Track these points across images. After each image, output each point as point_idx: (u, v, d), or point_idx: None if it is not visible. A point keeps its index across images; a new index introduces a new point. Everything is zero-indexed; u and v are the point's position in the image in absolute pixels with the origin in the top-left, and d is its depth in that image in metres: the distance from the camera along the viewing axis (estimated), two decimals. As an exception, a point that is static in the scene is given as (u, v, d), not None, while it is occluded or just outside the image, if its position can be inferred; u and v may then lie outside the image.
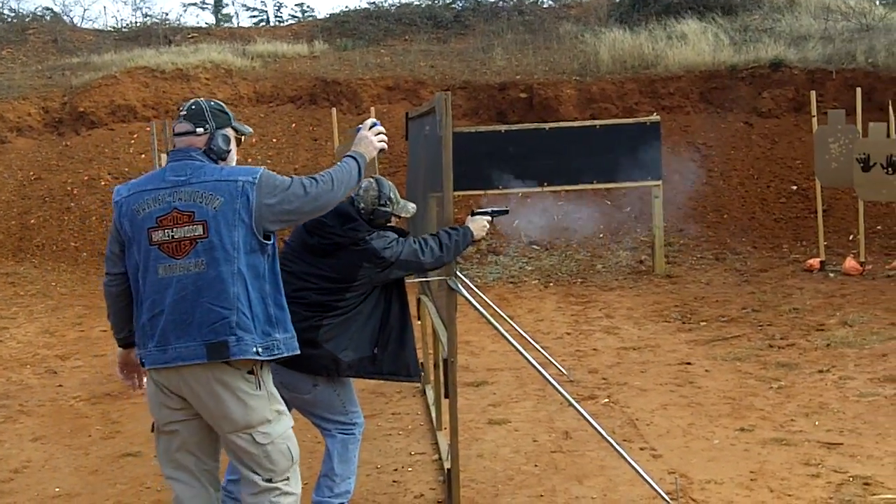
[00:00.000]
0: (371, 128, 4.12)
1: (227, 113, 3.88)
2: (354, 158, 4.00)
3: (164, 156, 11.50)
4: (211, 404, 3.68)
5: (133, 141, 17.06)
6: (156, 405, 3.79)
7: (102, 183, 16.13)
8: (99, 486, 5.65)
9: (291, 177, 3.81)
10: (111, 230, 3.83)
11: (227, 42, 20.82)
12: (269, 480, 3.78)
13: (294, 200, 3.73)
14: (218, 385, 3.66)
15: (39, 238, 15.17)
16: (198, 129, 3.76)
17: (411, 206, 4.91)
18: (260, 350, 3.67)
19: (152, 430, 3.89)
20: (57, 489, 5.63)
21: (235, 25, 27.69)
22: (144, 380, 3.90)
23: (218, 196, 3.65)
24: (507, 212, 5.46)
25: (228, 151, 3.84)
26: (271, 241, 3.75)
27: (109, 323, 4.03)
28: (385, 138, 4.15)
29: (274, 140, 16.96)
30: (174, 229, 3.64)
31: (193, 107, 3.81)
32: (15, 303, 12.19)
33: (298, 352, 3.84)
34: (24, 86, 18.64)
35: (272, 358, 3.73)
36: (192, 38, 22.18)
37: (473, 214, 4.90)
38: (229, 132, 3.85)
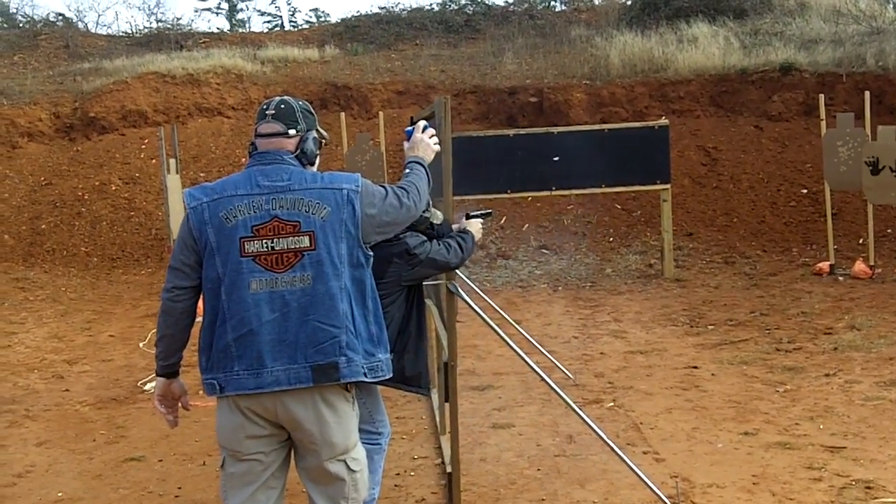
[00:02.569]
0: (424, 130, 3.94)
1: (314, 114, 3.61)
2: (420, 164, 3.80)
3: (172, 161, 11.55)
4: (315, 429, 3.37)
5: (144, 146, 17.13)
6: (236, 435, 3.39)
7: (113, 188, 16.22)
8: (102, 491, 5.65)
9: (384, 186, 3.58)
10: (183, 238, 3.41)
11: (238, 47, 20.88)
12: None
13: (391, 211, 3.52)
14: (325, 406, 3.37)
15: (50, 243, 15.24)
16: (290, 131, 3.45)
17: (440, 214, 4.88)
18: (367, 372, 3.41)
19: (222, 467, 3.48)
20: (60, 494, 5.63)
21: (249, 30, 27.75)
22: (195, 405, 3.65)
23: (325, 205, 3.35)
24: (491, 214, 5.42)
25: (318, 155, 3.58)
26: (372, 255, 3.49)
27: (157, 347, 3.57)
28: (437, 139, 3.99)
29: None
30: (275, 240, 3.31)
31: (283, 105, 3.50)
32: (24, 307, 12.24)
33: (392, 374, 3.56)
34: (36, 91, 18.72)
35: (377, 380, 3.50)
36: (204, 43, 22.24)
37: (468, 217, 4.88)
38: (316, 135, 3.58)
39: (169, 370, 3.58)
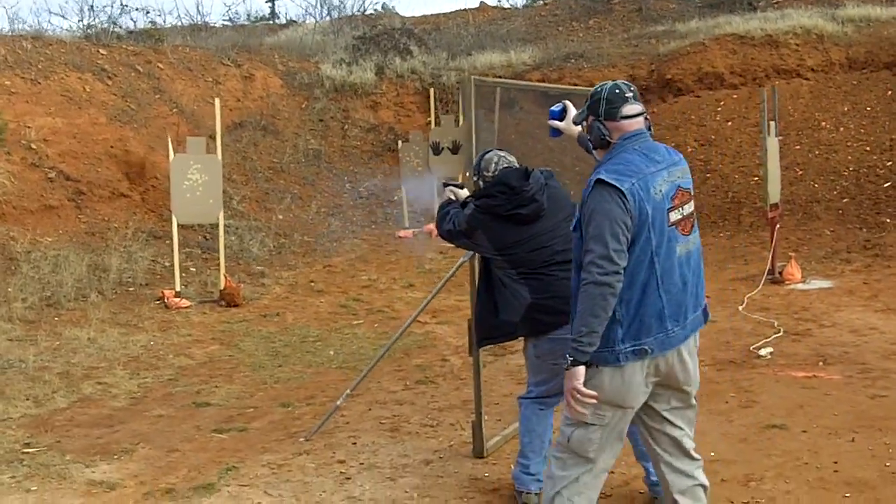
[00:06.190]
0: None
1: None
2: None
3: (772, 123, 11.32)
4: (692, 370, 3.89)
5: (720, 108, 17.09)
6: (639, 392, 3.79)
7: (688, 150, 16.33)
8: (753, 456, 5.61)
9: None
10: (619, 219, 3.56)
11: (814, 6, 20.05)
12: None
13: None
14: (694, 349, 3.91)
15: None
16: (644, 112, 3.83)
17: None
18: None
19: (600, 425, 3.79)
20: (712, 454, 5.63)
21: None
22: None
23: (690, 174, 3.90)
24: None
25: None
26: None
27: (594, 334, 3.58)
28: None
29: (868, 108, 15.99)
30: (683, 207, 3.76)
31: (634, 88, 3.86)
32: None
33: None
34: (613, 54, 19.48)
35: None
36: (777, 3, 21.69)
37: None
38: None
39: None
